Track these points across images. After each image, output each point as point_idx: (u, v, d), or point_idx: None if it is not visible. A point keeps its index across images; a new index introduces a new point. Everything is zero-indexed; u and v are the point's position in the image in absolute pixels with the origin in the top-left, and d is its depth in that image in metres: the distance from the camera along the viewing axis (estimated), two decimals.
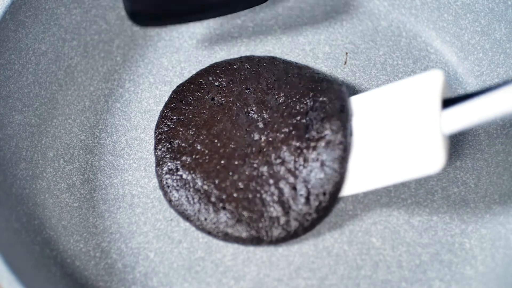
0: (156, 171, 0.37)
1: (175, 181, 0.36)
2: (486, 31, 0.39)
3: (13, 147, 0.37)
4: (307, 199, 0.34)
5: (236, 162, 0.36)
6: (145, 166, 0.38)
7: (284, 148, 0.35)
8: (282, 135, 0.36)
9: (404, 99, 0.34)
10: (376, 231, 0.36)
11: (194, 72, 0.40)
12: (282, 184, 0.35)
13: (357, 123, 0.35)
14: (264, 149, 0.36)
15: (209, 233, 0.35)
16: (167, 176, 0.36)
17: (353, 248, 0.35)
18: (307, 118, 0.36)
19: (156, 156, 0.37)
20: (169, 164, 0.36)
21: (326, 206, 0.34)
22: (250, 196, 0.35)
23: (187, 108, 0.38)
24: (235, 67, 0.39)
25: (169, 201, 0.36)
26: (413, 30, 0.41)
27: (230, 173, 0.35)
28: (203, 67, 0.40)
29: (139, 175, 0.37)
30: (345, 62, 0.40)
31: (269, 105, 0.37)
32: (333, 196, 0.34)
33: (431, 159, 0.32)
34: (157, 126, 0.38)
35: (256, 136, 0.36)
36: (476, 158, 0.37)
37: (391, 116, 0.34)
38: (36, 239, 0.35)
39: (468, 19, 0.40)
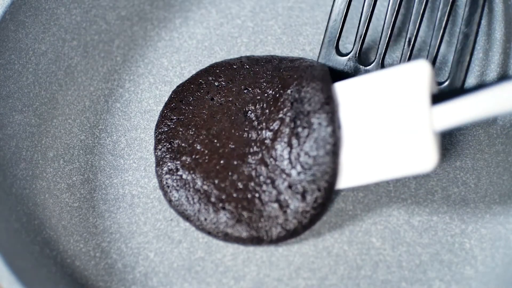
0: (156, 171, 0.37)
1: (175, 181, 0.36)
2: (486, 31, 0.39)
3: (13, 147, 0.37)
4: (303, 196, 0.34)
5: (235, 162, 0.36)
6: (145, 166, 0.38)
7: (276, 146, 0.35)
8: (272, 133, 0.36)
9: (392, 91, 0.33)
10: (376, 231, 0.36)
11: (194, 72, 0.40)
12: (277, 183, 0.35)
13: (344, 114, 0.35)
14: (260, 148, 0.36)
15: (209, 233, 0.35)
16: (167, 176, 0.36)
17: (353, 248, 0.35)
18: (293, 111, 0.35)
19: (156, 156, 0.37)
20: (169, 164, 0.36)
21: (322, 202, 0.34)
22: (249, 196, 0.35)
23: (187, 108, 0.38)
24: (235, 67, 0.39)
25: (169, 201, 0.36)
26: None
27: (230, 173, 0.35)
28: (203, 67, 0.40)
29: (139, 175, 0.37)
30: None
31: (263, 103, 0.37)
32: (328, 191, 0.34)
33: (423, 158, 0.32)
34: (157, 126, 0.38)
35: (253, 135, 0.36)
36: (476, 158, 0.37)
37: (379, 109, 0.34)
38: (36, 239, 0.35)
39: None
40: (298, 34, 0.41)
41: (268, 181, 0.35)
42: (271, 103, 0.36)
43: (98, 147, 0.38)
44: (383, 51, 0.38)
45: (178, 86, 0.39)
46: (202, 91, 0.38)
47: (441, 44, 0.37)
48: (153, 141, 0.38)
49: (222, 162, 0.36)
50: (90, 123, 0.39)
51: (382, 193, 0.36)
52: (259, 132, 0.36)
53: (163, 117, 0.38)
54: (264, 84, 0.38)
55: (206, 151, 0.36)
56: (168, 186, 0.36)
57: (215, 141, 0.36)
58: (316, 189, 0.34)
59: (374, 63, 0.38)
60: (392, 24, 0.38)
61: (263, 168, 0.35)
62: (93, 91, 0.40)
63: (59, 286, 0.34)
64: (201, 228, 0.35)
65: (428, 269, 0.35)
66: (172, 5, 0.42)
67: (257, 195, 0.35)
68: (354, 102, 0.35)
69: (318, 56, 0.39)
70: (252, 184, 0.35)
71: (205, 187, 0.35)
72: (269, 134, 0.36)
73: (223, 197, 0.35)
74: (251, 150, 0.36)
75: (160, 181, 0.36)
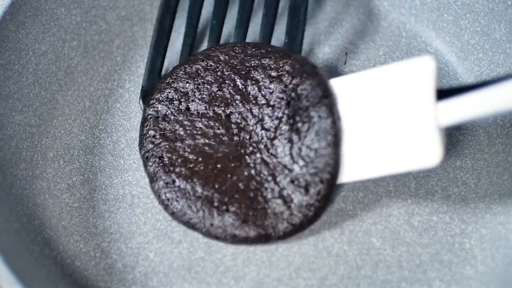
0: (152, 188, 0.36)
1: (173, 192, 0.35)
2: (486, 31, 0.39)
3: (13, 147, 0.37)
4: (306, 189, 0.34)
5: (232, 164, 0.35)
6: None
7: (275, 143, 0.35)
8: (269, 131, 0.35)
9: (396, 85, 0.33)
10: (376, 231, 0.36)
11: None
12: (279, 179, 0.35)
13: (346, 108, 0.34)
14: (257, 147, 0.36)
15: (217, 238, 0.35)
16: (165, 189, 0.35)
17: (353, 248, 0.35)
18: (290, 109, 0.35)
19: (148, 173, 0.36)
20: (164, 177, 0.35)
21: (326, 194, 0.34)
22: (251, 195, 0.35)
23: (165, 122, 0.37)
24: (198, 66, 0.37)
25: (172, 213, 0.35)
26: (413, 30, 0.41)
27: (229, 175, 0.35)
28: None
29: (139, 175, 0.37)
30: (345, 62, 0.40)
31: (246, 103, 0.36)
32: (331, 183, 0.34)
33: (428, 153, 0.32)
34: (142, 146, 0.36)
35: (245, 136, 0.36)
36: (476, 158, 0.37)
37: (383, 103, 0.33)
38: (36, 239, 0.35)
39: (468, 19, 0.40)
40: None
41: (270, 178, 0.35)
42: (263, 102, 0.36)
43: (98, 148, 0.38)
44: None
45: (149, 100, 0.37)
46: (175, 102, 0.37)
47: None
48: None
49: (219, 166, 0.35)
50: (90, 123, 0.39)
51: (382, 193, 0.36)
52: (252, 133, 0.36)
53: (143, 135, 0.37)
54: (243, 82, 0.37)
55: (200, 159, 0.36)
56: (168, 199, 0.35)
57: (206, 148, 0.36)
58: (319, 181, 0.34)
59: None
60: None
61: (263, 166, 0.35)
62: (93, 91, 0.40)
63: (59, 286, 0.34)
64: (209, 234, 0.35)
65: (428, 269, 0.35)
66: None
67: (259, 193, 0.35)
68: (357, 97, 0.34)
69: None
70: (254, 183, 0.35)
71: (206, 192, 0.35)
72: (264, 132, 0.36)
73: (226, 199, 0.35)
74: (247, 150, 0.36)
75: (159, 196, 0.35)
